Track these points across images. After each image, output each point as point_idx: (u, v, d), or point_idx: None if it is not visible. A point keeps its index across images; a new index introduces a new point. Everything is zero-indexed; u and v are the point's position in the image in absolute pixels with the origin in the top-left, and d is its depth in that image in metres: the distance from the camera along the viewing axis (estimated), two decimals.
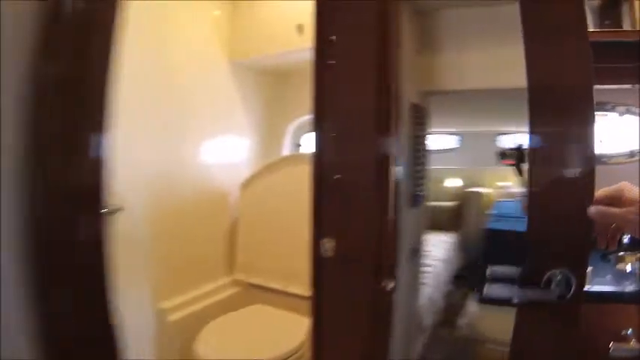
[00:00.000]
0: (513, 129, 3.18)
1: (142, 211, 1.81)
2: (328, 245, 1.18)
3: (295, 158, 2.17)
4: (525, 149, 1.37)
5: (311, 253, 1.20)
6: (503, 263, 0.84)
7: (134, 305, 1.72)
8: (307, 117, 2.36)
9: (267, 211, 2.20)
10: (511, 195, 3.26)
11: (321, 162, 1.20)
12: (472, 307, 2.65)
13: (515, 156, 1.65)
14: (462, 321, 2.56)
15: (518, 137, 2.66)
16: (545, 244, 0.80)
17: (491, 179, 3.66)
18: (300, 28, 1.97)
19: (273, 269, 2.14)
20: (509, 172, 2.53)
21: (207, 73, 2.18)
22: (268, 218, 2.19)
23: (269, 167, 2.21)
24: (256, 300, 2.13)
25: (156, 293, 1.88)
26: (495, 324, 2.18)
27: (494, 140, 3.43)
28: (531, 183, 0.81)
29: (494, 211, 3.13)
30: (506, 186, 3.43)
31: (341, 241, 1.18)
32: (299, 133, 2.58)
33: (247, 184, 2.27)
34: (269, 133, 2.57)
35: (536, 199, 0.81)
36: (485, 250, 2.83)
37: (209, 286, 2.16)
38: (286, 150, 2.56)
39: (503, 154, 2.53)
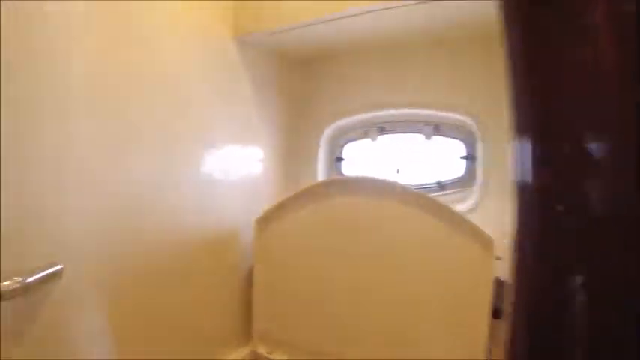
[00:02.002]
0: None
1: (102, 265, 1.03)
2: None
3: (336, 185, 1.37)
4: None
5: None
6: None
7: None
8: (354, 118, 1.71)
9: (294, 257, 1.44)
10: None
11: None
12: None
13: None
14: None
15: None
16: None
17: None
18: None
19: (308, 339, 1.44)
20: None
21: (204, 56, 1.38)
22: (297, 267, 1.47)
23: (297, 198, 1.42)
24: None
25: None
26: None
27: None
28: None
29: None
30: None
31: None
32: (340, 141, 1.89)
33: (266, 219, 1.48)
34: (294, 141, 1.86)
35: None
36: None
37: None
38: (320, 165, 1.87)
39: None
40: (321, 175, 1.82)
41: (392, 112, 1.68)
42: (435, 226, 1.16)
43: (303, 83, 1.84)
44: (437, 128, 1.60)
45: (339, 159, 1.85)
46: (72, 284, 0.96)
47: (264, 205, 1.53)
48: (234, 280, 1.53)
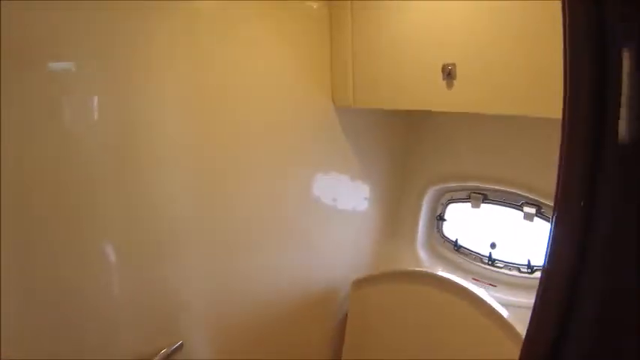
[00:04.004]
0: None
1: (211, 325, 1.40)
2: None
3: (431, 279, 1.46)
4: None
5: None
6: None
7: None
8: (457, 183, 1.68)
9: (384, 328, 1.59)
10: None
11: None
12: None
13: None
14: None
15: None
16: None
17: None
18: (448, 72, 1.28)
19: None
20: None
21: (310, 115, 1.60)
22: (384, 338, 1.58)
23: (394, 275, 1.58)
24: None
25: None
26: None
27: None
28: None
29: None
30: None
31: None
32: (443, 199, 1.86)
33: (363, 283, 1.66)
34: (397, 196, 1.94)
35: None
36: None
37: None
38: (422, 222, 1.87)
39: None
40: (421, 234, 1.85)
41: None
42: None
43: (409, 138, 1.88)
44: (539, 210, 1.45)
45: (441, 218, 1.84)
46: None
47: (364, 259, 1.69)
48: (327, 333, 1.76)
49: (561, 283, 0.50)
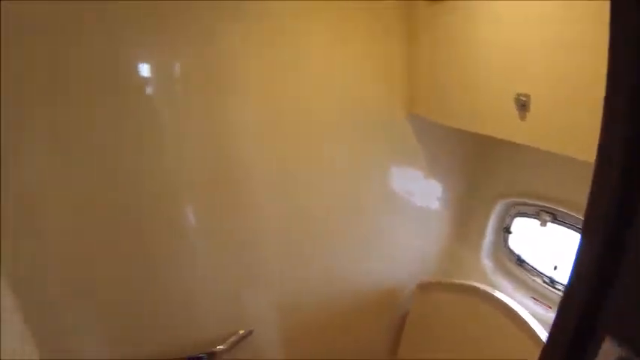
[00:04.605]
0: None
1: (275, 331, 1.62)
2: None
3: (503, 307, 1.50)
4: None
5: None
6: None
7: None
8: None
9: (443, 335, 1.71)
10: None
11: None
12: None
13: None
14: None
15: None
16: None
17: None
18: (522, 103, 1.27)
19: None
20: None
21: (381, 126, 1.73)
22: (442, 344, 1.71)
23: (458, 286, 1.69)
24: None
25: None
26: None
27: None
28: None
29: None
30: None
31: None
32: (511, 211, 1.86)
33: (427, 287, 1.80)
34: (466, 205, 1.97)
35: None
36: None
37: None
38: (489, 231, 1.90)
39: None
40: (487, 243, 1.89)
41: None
42: None
43: (483, 149, 1.89)
44: None
45: (507, 230, 1.86)
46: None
47: (431, 261, 1.83)
48: (387, 327, 1.93)
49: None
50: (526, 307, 1.49)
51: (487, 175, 1.90)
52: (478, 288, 1.62)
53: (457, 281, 1.74)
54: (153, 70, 1.41)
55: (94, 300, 1.44)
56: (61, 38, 1.25)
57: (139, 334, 1.50)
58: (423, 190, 1.89)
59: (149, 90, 1.41)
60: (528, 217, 1.80)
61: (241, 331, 1.44)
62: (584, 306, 0.58)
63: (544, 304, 1.57)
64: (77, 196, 1.35)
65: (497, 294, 1.56)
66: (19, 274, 1.29)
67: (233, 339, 1.39)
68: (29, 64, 1.24)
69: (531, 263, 1.75)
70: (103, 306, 1.46)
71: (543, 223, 1.71)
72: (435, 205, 1.93)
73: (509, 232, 1.87)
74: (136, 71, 1.38)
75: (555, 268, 1.62)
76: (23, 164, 1.27)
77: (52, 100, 1.28)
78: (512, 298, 1.53)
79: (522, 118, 1.27)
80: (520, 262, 1.79)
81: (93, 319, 1.43)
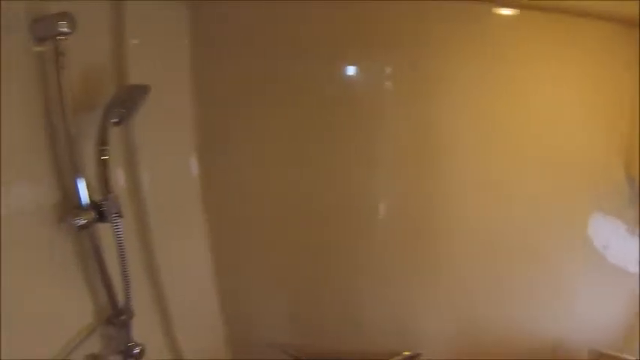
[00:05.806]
0: None
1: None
2: None
3: None
4: None
5: None
6: None
7: None
8: None
9: None
10: None
11: None
12: None
13: None
14: None
15: None
16: None
17: None
18: None
19: None
20: None
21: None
22: None
23: None
24: None
25: None
26: None
27: None
28: None
29: None
30: None
31: None
32: None
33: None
34: None
35: None
36: None
37: None
38: None
39: None
40: None
41: None
42: None
43: None
44: None
45: None
46: None
47: (612, 330, 1.55)
48: None
49: None
50: None
51: None
52: None
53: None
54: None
55: (285, 291, 1.56)
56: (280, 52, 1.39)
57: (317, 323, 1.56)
58: (622, 249, 1.55)
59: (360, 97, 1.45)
60: None
61: (406, 353, 1.29)
62: None
63: None
64: (288, 196, 1.48)
65: None
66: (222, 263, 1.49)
67: (400, 357, 1.22)
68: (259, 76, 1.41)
69: None
70: (291, 294, 1.56)
71: None
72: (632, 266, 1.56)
73: None
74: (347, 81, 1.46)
75: None
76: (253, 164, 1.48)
77: (283, 113, 1.45)
78: None
79: None
80: None
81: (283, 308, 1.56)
